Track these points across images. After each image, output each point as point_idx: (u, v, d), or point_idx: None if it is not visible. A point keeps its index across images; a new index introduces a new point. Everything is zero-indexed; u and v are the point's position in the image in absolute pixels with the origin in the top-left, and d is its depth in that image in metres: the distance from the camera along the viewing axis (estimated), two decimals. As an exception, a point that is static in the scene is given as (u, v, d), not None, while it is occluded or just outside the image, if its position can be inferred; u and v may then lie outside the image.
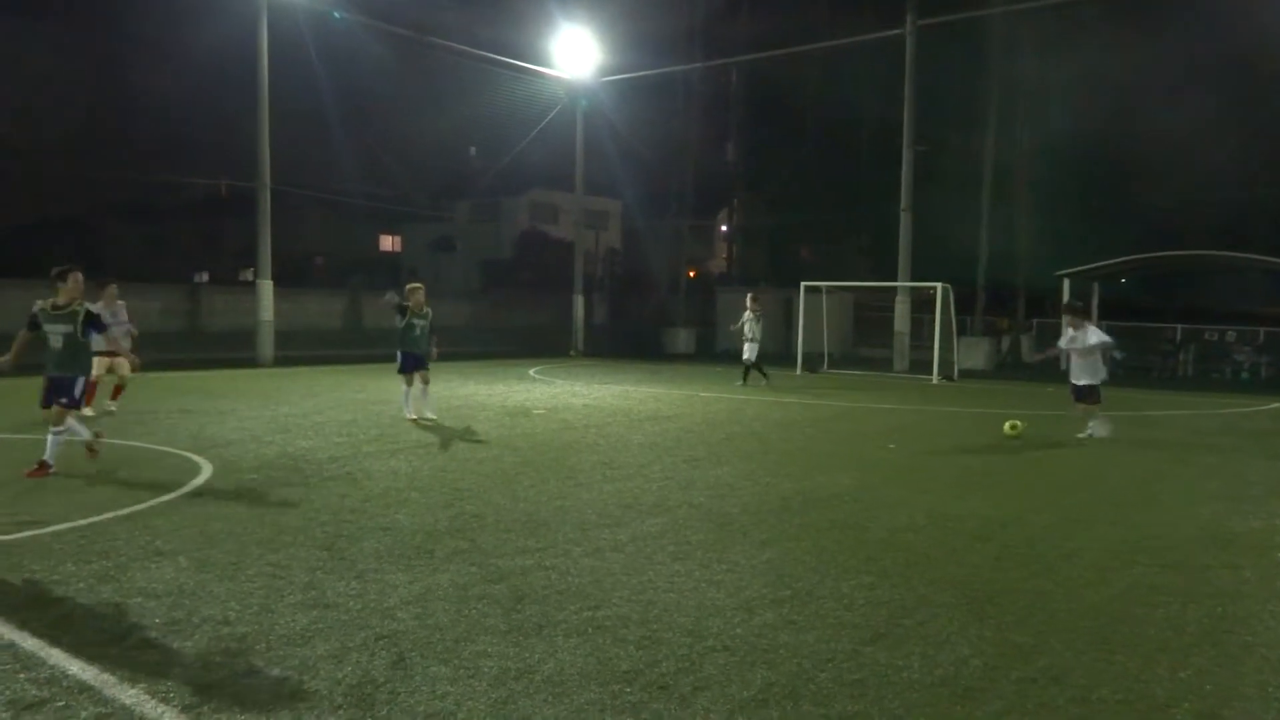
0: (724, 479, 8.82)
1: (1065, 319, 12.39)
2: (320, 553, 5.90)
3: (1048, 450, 11.13)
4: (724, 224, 48.61)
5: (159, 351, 19.04)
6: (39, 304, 8.45)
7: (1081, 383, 12.08)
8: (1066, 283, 26.22)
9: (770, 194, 40.55)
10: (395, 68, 33.52)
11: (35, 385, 8.98)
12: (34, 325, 8.41)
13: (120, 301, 13.10)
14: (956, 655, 4.36)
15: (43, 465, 8.28)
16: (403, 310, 12.57)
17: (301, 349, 25.82)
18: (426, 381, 12.77)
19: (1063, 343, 12.38)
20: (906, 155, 25.94)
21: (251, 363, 23.51)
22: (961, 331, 25.07)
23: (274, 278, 24.69)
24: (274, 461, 9.30)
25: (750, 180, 40.91)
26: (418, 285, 13.07)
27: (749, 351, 19.42)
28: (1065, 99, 29.78)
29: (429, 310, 12.83)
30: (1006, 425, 11.86)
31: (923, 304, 26.37)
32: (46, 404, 8.56)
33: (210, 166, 36.19)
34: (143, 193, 41.44)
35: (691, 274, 42.60)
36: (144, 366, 12.88)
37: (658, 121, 37.95)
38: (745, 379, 19.56)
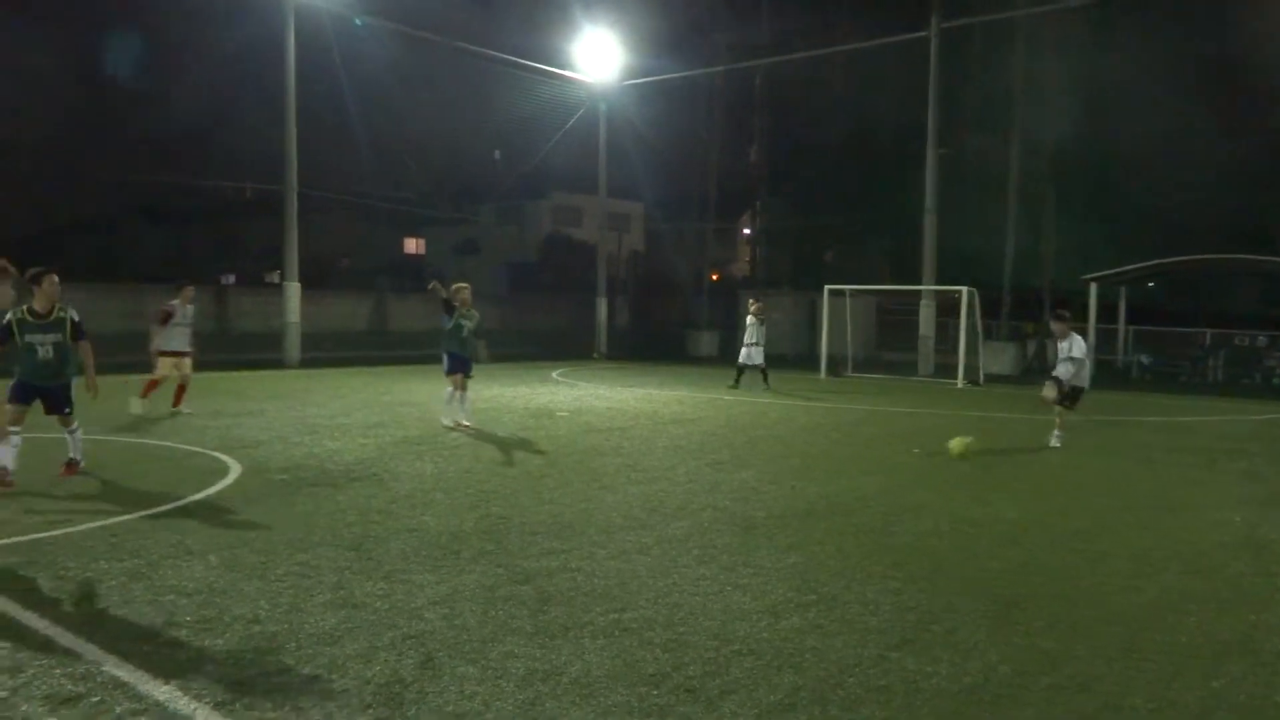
0: (748, 482, 8.81)
1: (1053, 327, 12.15)
2: (348, 553, 5.95)
3: (1073, 455, 11.04)
4: (747, 226, 48.53)
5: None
6: (11, 313, 7.66)
7: (1069, 382, 11.62)
8: (1094, 287, 25.99)
9: (793, 196, 40.46)
10: (419, 71, 33.78)
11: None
12: (5, 337, 7.67)
13: (191, 305, 13.38)
14: (984, 662, 4.33)
15: (72, 464, 8.37)
16: (450, 309, 12.17)
17: (327, 350, 26.04)
18: (465, 388, 12.22)
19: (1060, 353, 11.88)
20: (930, 157, 25.82)
21: (278, 364, 23.72)
22: (987, 335, 24.91)
23: (299, 280, 24.91)
24: (302, 462, 9.38)
25: (773, 182, 40.84)
26: (464, 284, 12.60)
27: (750, 355, 19.28)
28: (1089, 99, 29.52)
29: (476, 311, 12.49)
30: (954, 443, 10.19)
31: (948, 307, 26.21)
32: (16, 399, 7.79)
33: (236, 170, 36.60)
34: (169, 195, 41.92)
35: (714, 277, 42.61)
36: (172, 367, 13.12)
37: (680, 124, 38.00)
38: (738, 381, 19.35)
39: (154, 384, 12.98)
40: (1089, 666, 4.31)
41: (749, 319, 19.48)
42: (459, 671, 4.05)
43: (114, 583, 5.22)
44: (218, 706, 3.66)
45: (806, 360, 26.34)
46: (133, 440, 10.69)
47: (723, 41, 36.61)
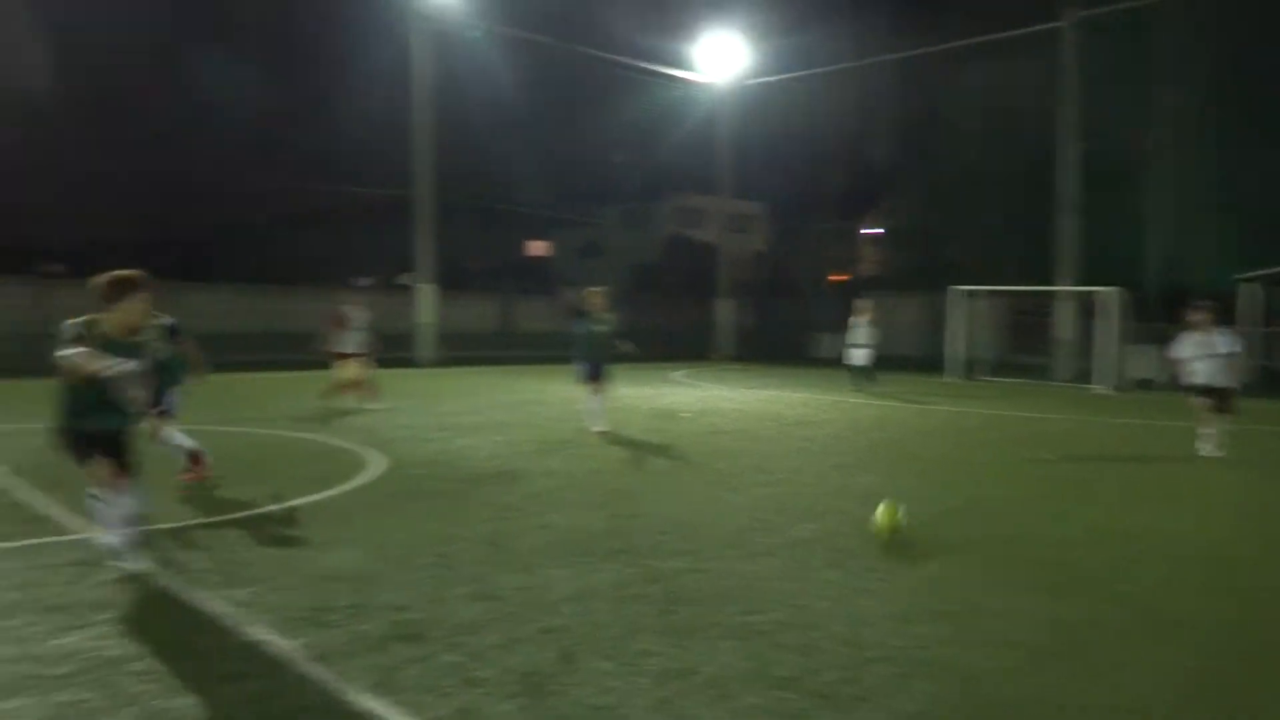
0: (874, 487, 8.66)
1: (1192, 319, 11.03)
2: (484, 547, 6.16)
3: (1224, 463, 10.41)
4: (871, 226, 47.59)
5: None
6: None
7: (1222, 384, 10.78)
8: (1246, 288, 24.42)
9: (921, 194, 39.45)
10: (544, 76, 34.50)
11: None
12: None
13: (364, 310, 14.30)
14: (1139, 684, 4.16)
15: (196, 459, 8.02)
16: (581, 314, 11.99)
17: (457, 350, 26.86)
18: (601, 392, 11.98)
19: (1186, 351, 11.01)
20: (1068, 153, 24.77)
21: (412, 363, 24.63)
22: (1131, 338, 23.72)
23: (423, 281, 25.84)
24: (438, 458, 9.75)
25: (899, 181, 39.94)
26: (597, 289, 12.33)
27: (855, 355, 18.92)
28: (1236, 90, 27.71)
29: (610, 316, 12.10)
30: (880, 511, 6.68)
31: (1085, 309, 25.09)
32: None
33: (368, 175, 38.16)
34: (309, 201, 43.98)
35: (839, 277, 41.95)
36: (316, 366, 13.95)
37: (803, 122, 37.57)
38: (860, 384, 18.96)
39: (351, 385, 13.85)
40: (1260, 696, 4.09)
41: (858, 319, 19.16)
42: (596, 666, 4.15)
43: (270, 567, 5.55)
44: (371, 688, 3.86)
45: (933, 363, 25.63)
46: (285, 434, 11.32)
47: (848, 37, 36.02)
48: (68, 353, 5.07)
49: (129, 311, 5.38)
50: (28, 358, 13.41)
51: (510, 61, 31.44)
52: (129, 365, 5.19)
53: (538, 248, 55.43)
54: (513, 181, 44.61)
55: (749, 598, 5.19)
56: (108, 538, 5.45)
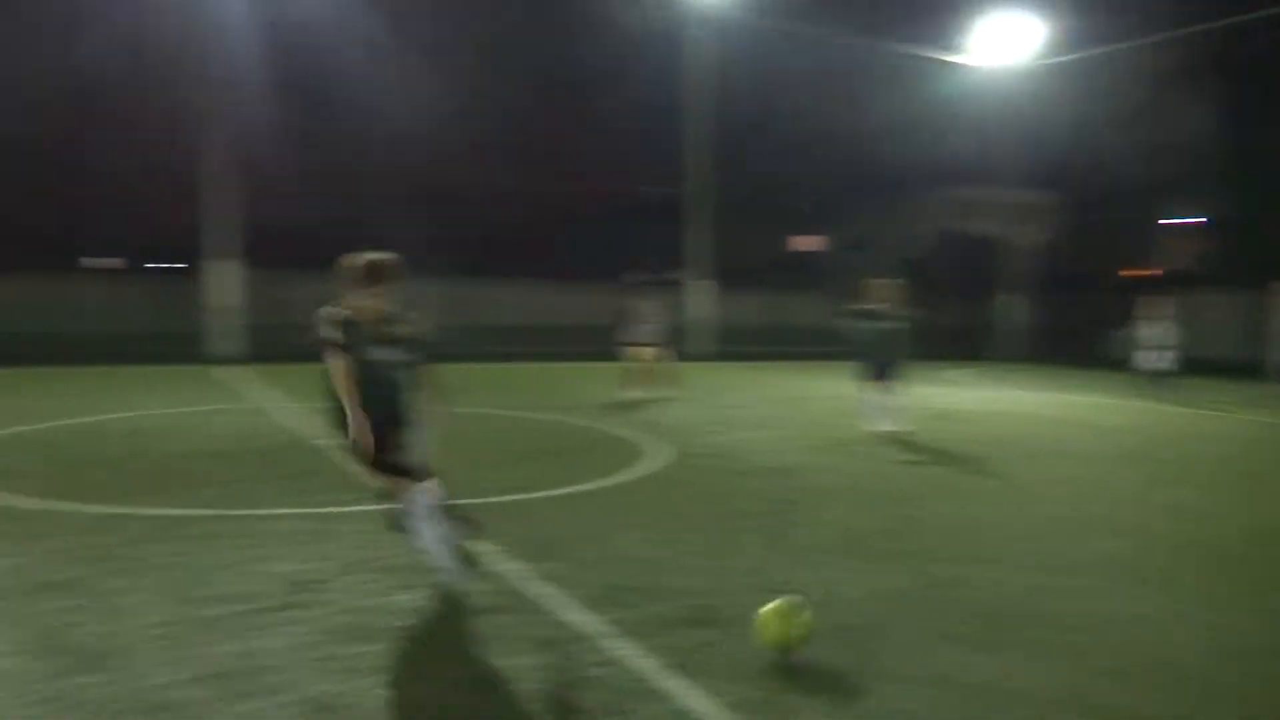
0: (1185, 502, 7.85)
1: None
2: (766, 538, 6.21)
3: None
4: (1177, 216, 43.00)
5: (598, 345, 21.05)
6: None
7: None
8: None
9: (1245, 180, 35.11)
10: (812, 68, 34.02)
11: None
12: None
13: (650, 303, 15.13)
14: None
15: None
16: (865, 309, 11.20)
17: (726, 345, 27.23)
18: (891, 391, 11.17)
19: None
20: None
21: (687, 357, 25.17)
22: None
23: (697, 277, 26.39)
24: (717, 449, 9.97)
25: (1214, 166, 35.76)
26: (885, 280, 11.32)
27: (1156, 359, 16.94)
28: None
29: (902, 311, 11.18)
30: (770, 611, 4.22)
31: None
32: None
33: (636, 175, 39.48)
34: (578, 201, 46.17)
35: (1136, 272, 38.35)
36: (598, 357, 14.72)
37: (1098, 105, 34.56)
38: (1156, 389, 16.98)
39: (643, 376, 14.63)
40: None
41: (1155, 317, 17.28)
42: (898, 672, 4.04)
43: (569, 546, 5.90)
44: (671, 668, 4.01)
45: (1251, 368, 22.82)
46: (572, 422, 12.01)
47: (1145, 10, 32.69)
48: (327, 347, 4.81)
49: (378, 298, 4.89)
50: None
51: (778, 54, 31.36)
52: (392, 355, 4.89)
53: (806, 242, 54.95)
54: (780, 175, 44.51)
55: (1050, 613, 4.87)
56: (431, 552, 4.97)
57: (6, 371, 16.52)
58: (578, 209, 46.30)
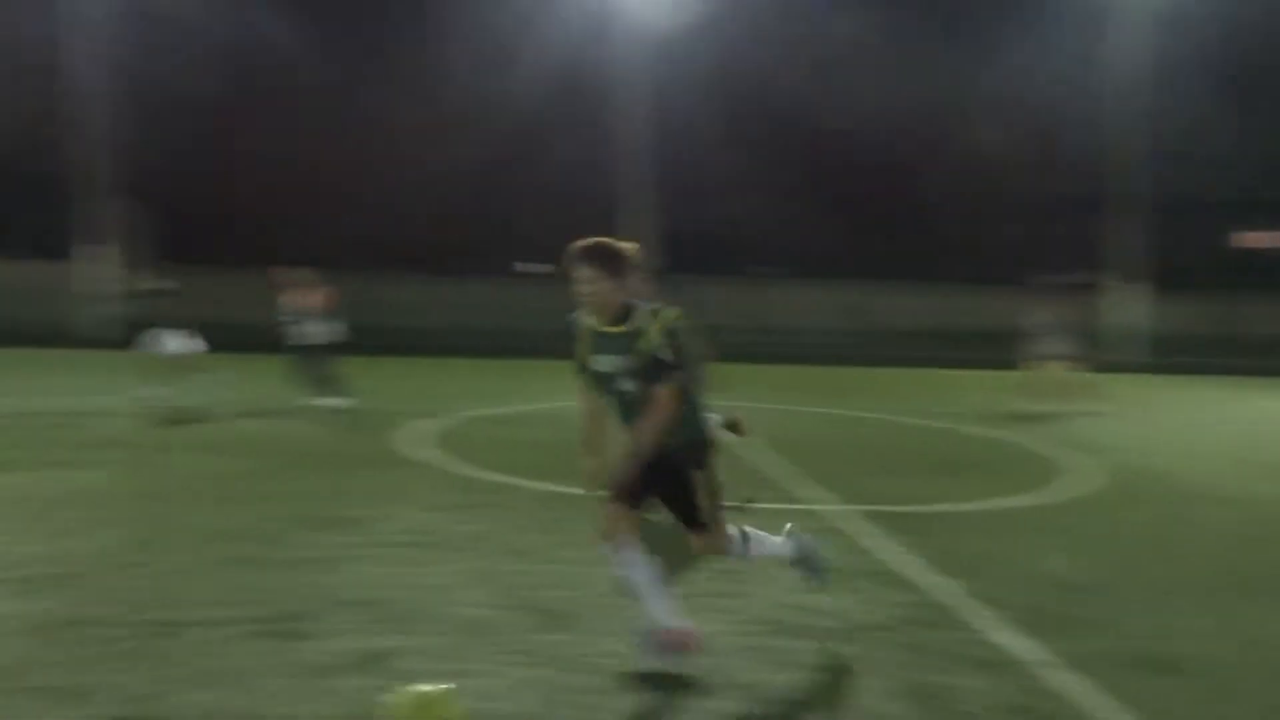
0: None
1: None
2: (1220, 577, 5.44)
3: None
4: None
5: (994, 352, 19.39)
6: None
7: None
8: None
9: None
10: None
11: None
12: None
13: (1049, 312, 14.18)
14: None
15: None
16: None
17: (1162, 355, 24.09)
18: None
19: None
20: None
21: (1112, 367, 22.62)
22: None
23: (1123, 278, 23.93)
24: (1154, 472, 9.05)
25: None
26: None
27: None
28: None
29: None
30: (409, 701, 3.14)
31: None
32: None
33: (1051, 168, 36.41)
34: (990, 196, 43.52)
35: None
36: (1006, 365, 13.69)
37: None
38: None
39: (1054, 388, 13.71)
40: None
41: None
42: None
43: (999, 564, 5.60)
44: (1124, 712, 3.63)
45: None
46: (980, 433, 11.38)
47: None
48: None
49: (616, 292, 3.81)
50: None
51: (1210, 30, 27.27)
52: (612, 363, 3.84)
53: (1256, 239, 47.26)
54: (1217, 165, 38.74)
55: None
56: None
57: (497, 363, 19.11)
58: (986, 206, 43.78)
